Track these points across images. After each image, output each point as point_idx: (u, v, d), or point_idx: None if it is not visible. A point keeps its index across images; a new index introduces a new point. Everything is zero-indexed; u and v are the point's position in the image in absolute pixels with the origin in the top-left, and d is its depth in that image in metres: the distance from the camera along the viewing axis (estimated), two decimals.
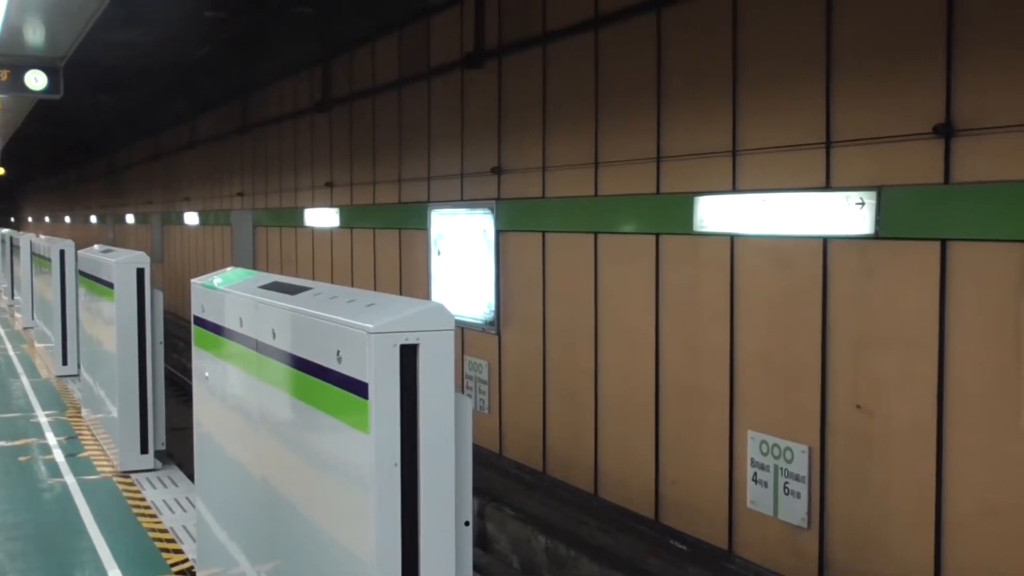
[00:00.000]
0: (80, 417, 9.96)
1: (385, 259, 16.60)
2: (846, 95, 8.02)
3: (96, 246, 10.76)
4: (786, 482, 8.55)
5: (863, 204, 7.69)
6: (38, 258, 15.09)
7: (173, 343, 20.70)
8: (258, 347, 4.15)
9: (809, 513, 8.37)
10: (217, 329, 4.76)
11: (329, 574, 3.59)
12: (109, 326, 8.10)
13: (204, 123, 27.98)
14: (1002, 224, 6.82)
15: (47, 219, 64.19)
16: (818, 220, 8.10)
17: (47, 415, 10.21)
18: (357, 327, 3.21)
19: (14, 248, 19.99)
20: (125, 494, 7.43)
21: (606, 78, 10.83)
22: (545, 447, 12.10)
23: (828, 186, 8.10)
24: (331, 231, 18.89)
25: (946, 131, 7.15)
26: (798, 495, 8.43)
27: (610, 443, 10.95)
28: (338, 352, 3.33)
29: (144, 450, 7.95)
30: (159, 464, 8.03)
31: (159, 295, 7.96)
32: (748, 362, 9.04)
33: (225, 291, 4.68)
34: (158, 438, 8.03)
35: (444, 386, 3.21)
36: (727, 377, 9.23)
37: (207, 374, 5.01)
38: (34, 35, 12.52)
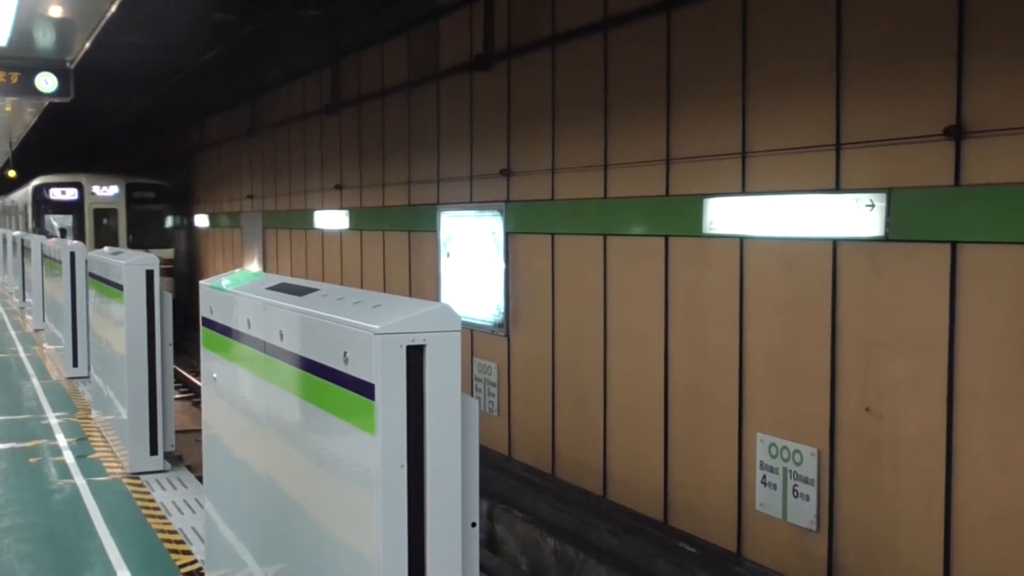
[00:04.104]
0: (90, 419, 9.98)
1: (394, 261, 16.62)
2: (856, 97, 8.00)
3: (106, 248, 10.78)
4: (795, 485, 8.53)
5: (873, 206, 7.67)
6: (49, 260, 15.13)
7: (183, 345, 20.75)
8: (266, 348, 4.16)
9: (818, 516, 8.35)
10: (225, 331, 4.77)
11: (336, 575, 3.59)
12: (119, 328, 8.11)
13: (213, 125, 28.04)
14: (1013, 226, 6.80)
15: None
16: (827, 222, 8.08)
17: (57, 417, 10.23)
18: (364, 328, 3.21)
19: (25, 250, 20.05)
20: (134, 495, 7.44)
21: (615, 80, 10.82)
22: (554, 449, 12.09)
23: (838, 188, 8.09)
24: (341, 233, 18.92)
25: (956, 133, 7.13)
26: (807, 498, 8.41)
27: (619, 445, 10.94)
28: (345, 353, 3.33)
29: (153, 451, 7.96)
30: (168, 466, 8.04)
31: (168, 297, 7.97)
32: (757, 364, 9.02)
33: (233, 293, 4.69)
34: (167, 440, 8.04)
35: (451, 387, 3.20)
36: (736, 379, 9.21)
37: (215, 375, 5.02)
38: (44, 38, 12.57)
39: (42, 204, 27.16)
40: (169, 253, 27.05)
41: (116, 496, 7.44)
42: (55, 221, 26.89)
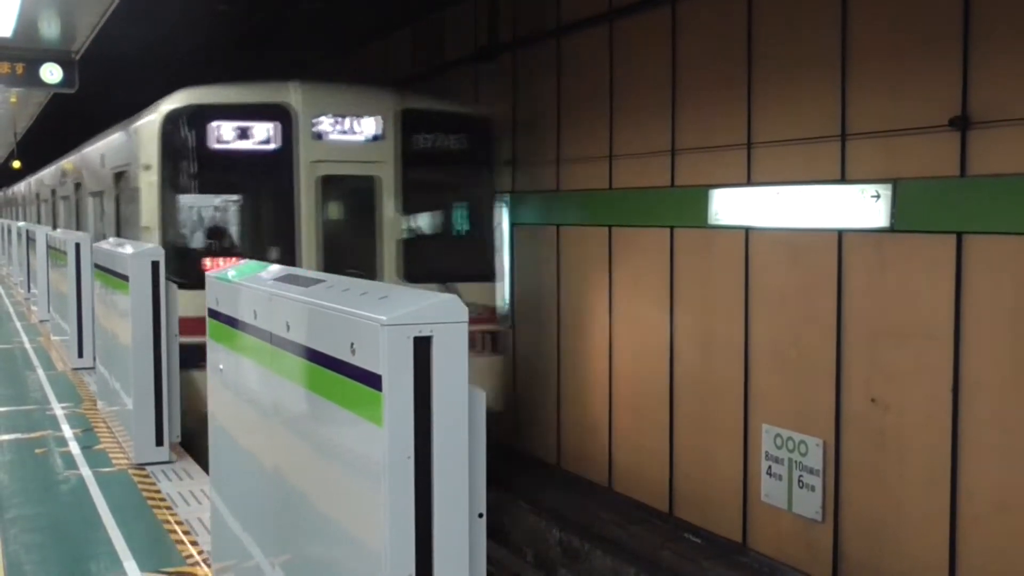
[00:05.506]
0: (96, 410, 9.99)
1: None
2: (861, 87, 7.98)
3: (111, 238, 10.77)
4: (800, 475, 8.52)
5: (878, 197, 7.66)
6: (54, 251, 15.13)
7: None
8: (272, 339, 4.15)
9: (823, 506, 8.34)
10: (231, 322, 4.77)
11: (343, 566, 3.60)
12: (124, 319, 8.11)
13: None
14: (1019, 217, 6.78)
15: None
16: (833, 213, 8.06)
17: (63, 407, 10.24)
18: (371, 319, 3.20)
19: (30, 241, 20.06)
20: (140, 486, 7.45)
21: (620, 71, 10.80)
22: (559, 441, 12.10)
23: (843, 179, 8.07)
24: None
25: (962, 123, 7.11)
26: (812, 488, 8.41)
27: (624, 436, 10.93)
28: (352, 344, 3.33)
29: (159, 442, 7.96)
30: (174, 456, 8.04)
31: (174, 288, 7.97)
32: (762, 355, 9.01)
33: (239, 284, 4.69)
34: (173, 431, 8.04)
35: (458, 379, 3.20)
36: (741, 370, 9.20)
37: (221, 367, 5.02)
38: (49, 28, 12.55)
39: (181, 165, 10.71)
40: (493, 292, 11.57)
41: (122, 487, 7.44)
42: (187, 202, 10.73)
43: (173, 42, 19.32)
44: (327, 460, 3.71)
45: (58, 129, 34.14)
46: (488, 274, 11.34)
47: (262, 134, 10.51)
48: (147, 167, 10.67)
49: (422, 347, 3.13)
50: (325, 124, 10.67)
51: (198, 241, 10.71)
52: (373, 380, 3.18)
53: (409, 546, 3.17)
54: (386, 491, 3.14)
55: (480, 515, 3.30)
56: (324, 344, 3.60)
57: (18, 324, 17.45)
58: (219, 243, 10.74)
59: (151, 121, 10.82)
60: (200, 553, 6.01)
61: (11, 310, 19.68)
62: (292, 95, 10.71)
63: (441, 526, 3.19)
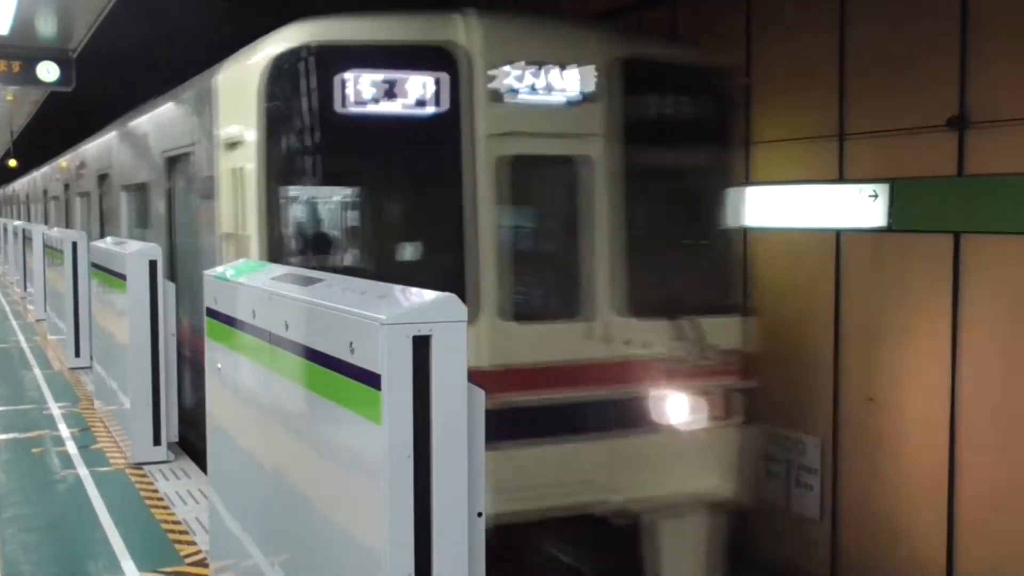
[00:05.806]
0: (93, 409, 9.98)
1: None
2: (859, 87, 7.97)
3: (108, 238, 10.77)
4: (799, 475, 8.53)
5: (876, 196, 7.66)
6: (50, 250, 15.11)
7: None
8: (271, 339, 4.15)
9: (822, 505, 8.34)
10: (230, 321, 4.76)
11: (342, 565, 3.59)
12: (121, 318, 8.10)
13: None
14: (1016, 216, 6.79)
15: None
16: (831, 212, 8.06)
17: (60, 407, 10.22)
18: (370, 318, 3.20)
19: (26, 240, 20.04)
20: (138, 486, 7.43)
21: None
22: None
23: (841, 178, 8.06)
24: None
25: (960, 124, 7.11)
26: (811, 487, 8.41)
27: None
28: (351, 343, 3.32)
29: (157, 442, 7.95)
30: (172, 456, 8.03)
31: (171, 287, 7.96)
32: (760, 354, 9.00)
33: (238, 283, 4.68)
34: (171, 430, 8.03)
35: (457, 378, 3.20)
36: None
37: (219, 366, 5.01)
38: (46, 26, 12.52)
39: (295, 139, 6.71)
40: (743, 331, 7.40)
41: (119, 486, 7.43)
42: (302, 196, 7.08)
43: (174, 40, 19.28)
44: (326, 459, 3.71)
45: (55, 128, 34.07)
46: (736, 304, 7.56)
47: (417, 91, 6.73)
48: (234, 144, 7.17)
49: (421, 346, 3.13)
50: (511, 77, 6.92)
51: (318, 255, 7.09)
52: (372, 379, 3.18)
53: (408, 545, 3.17)
54: (385, 490, 3.14)
55: (479, 514, 3.30)
56: (323, 343, 3.59)
57: (14, 323, 17.42)
58: (348, 257, 7.40)
59: (246, 71, 7.13)
60: (198, 553, 6.01)
61: (7, 309, 19.65)
62: (463, 32, 6.88)
63: (440, 525, 3.19)
